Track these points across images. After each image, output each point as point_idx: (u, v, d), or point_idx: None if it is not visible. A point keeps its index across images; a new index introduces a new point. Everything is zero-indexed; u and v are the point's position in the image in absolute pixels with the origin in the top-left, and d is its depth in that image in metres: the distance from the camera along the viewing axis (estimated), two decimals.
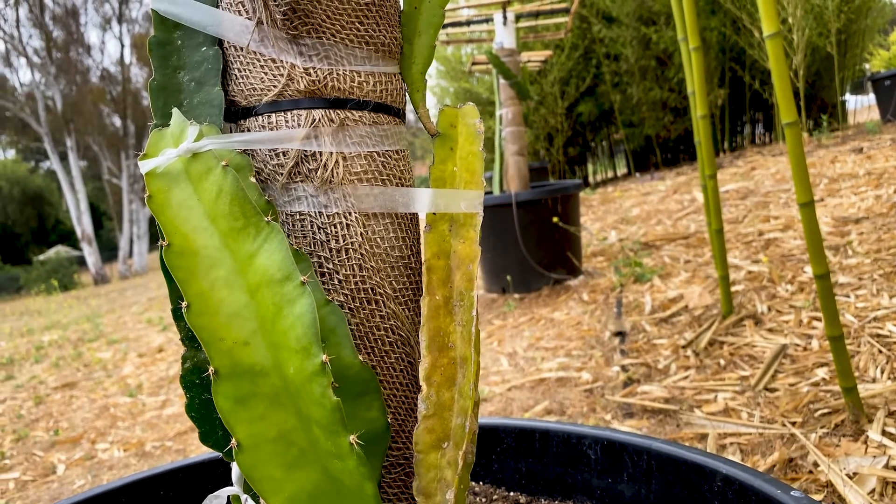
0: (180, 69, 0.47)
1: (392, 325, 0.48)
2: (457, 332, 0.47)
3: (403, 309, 0.49)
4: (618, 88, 8.52)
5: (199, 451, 2.32)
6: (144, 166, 0.41)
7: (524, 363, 2.52)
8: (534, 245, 3.37)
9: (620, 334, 2.58)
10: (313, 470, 0.38)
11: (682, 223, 4.21)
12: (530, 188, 3.62)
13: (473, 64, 4.48)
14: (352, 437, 0.37)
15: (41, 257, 20.94)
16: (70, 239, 32.04)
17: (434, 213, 0.49)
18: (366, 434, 0.39)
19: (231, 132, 0.49)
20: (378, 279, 0.47)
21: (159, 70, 0.46)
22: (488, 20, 3.84)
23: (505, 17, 3.46)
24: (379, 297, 0.47)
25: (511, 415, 2.07)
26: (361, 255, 0.46)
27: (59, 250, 24.02)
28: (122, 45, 19.70)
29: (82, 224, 17.05)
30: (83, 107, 18.27)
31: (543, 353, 2.58)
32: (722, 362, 2.06)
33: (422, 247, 0.50)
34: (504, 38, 3.49)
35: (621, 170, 11.50)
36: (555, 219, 3.30)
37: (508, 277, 3.47)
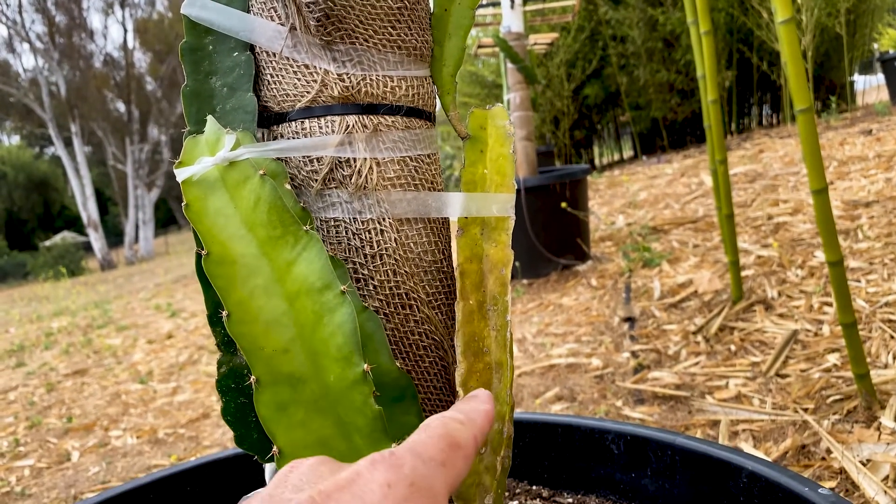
0: (212, 75, 0.46)
1: (426, 329, 0.48)
2: (491, 336, 0.47)
3: (436, 313, 0.49)
4: (624, 70, 8.47)
5: (213, 439, 2.34)
6: (180, 174, 0.41)
7: (534, 349, 2.53)
8: (542, 230, 3.37)
9: (630, 320, 2.59)
10: None
11: (690, 207, 4.20)
12: (538, 173, 3.61)
13: (479, 47, 4.45)
14: (394, 446, 0.38)
15: (47, 243, 21.00)
16: (76, 225, 32.15)
17: (466, 217, 0.49)
18: (404, 439, 0.39)
19: (264, 137, 0.49)
20: (412, 284, 0.47)
21: (191, 76, 0.46)
22: (495, 3, 3.81)
23: (512, 1, 3.44)
24: (413, 302, 0.47)
25: (522, 401, 2.08)
26: (395, 260, 0.47)
27: (65, 236, 24.08)
28: (125, 30, 19.63)
29: (88, 210, 17.08)
30: (87, 92, 18.23)
31: (553, 339, 2.59)
32: (732, 348, 2.07)
33: (454, 251, 0.51)
34: (511, 21, 3.46)
35: (627, 153, 11.45)
36: (563, 204, 3.30)
37: (517, 263, 3.47)
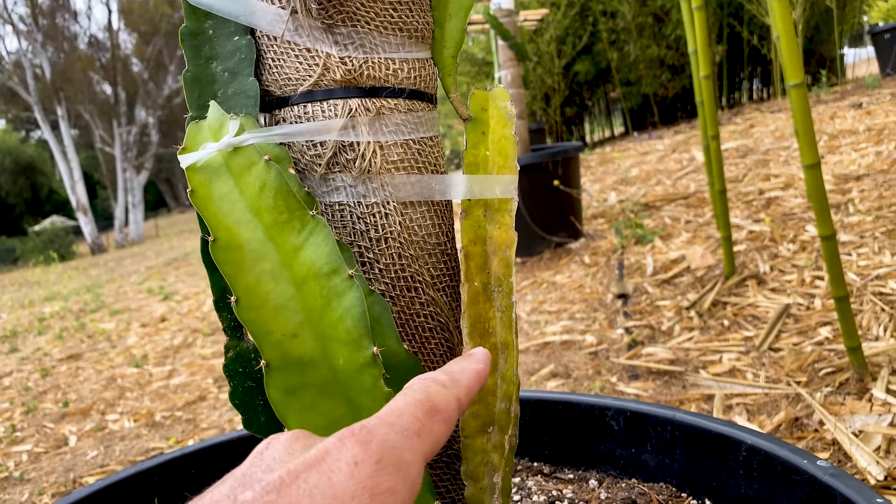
0: (213, 59, 0.46)
1: (431, 311, 0.49)
2: (496, 317, 0.47)
3: (441, 295, 0.49)
4: (615, 46, 8.43)
5: (210, 421, 2.35)
6: (184, 160, 0.41)
7: (528, 327, 2.55)
8: (535, 209, 3.37)
9: (623, 296, 2.60)
10: None
11: (681, 183, 4.21)
12: (530, 151, 3.61)
13: (469, 24, 4.41)
14: None
15: (36, 228, 20.84)
16: (65, 209, 31.95)
17: (469, 199, 0.49)
18: None
19: (265, 122, 0.49)
20: (417, 267, 0.48)
21: (192, 61, 0.46)
22: None
23: None
24: (418, 285, 0.48)
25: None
26: (400, 243, 0.47)
27: (55, 220, 23.91)
28: (110, 11, 19.35)
29: (77, 193, 16.94)
30: (72, 74, 17.99)
31: (547, 317, 2.60)
32: (726, 323, 2.08)
33: (457, 233, 0.51)
34: None
35: (618, 129, 11.43)
36: (556, 182, 3.30)
37: None
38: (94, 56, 19.57)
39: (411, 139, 0.48)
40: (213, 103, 0.43)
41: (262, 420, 0.46)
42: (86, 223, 17.06)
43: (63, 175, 17.12)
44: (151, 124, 20.21)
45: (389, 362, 0.41)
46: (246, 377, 0.45)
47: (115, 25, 20.64)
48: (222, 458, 0.77)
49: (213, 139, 0.42)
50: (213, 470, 0.76)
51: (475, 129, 0.51)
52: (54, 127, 17.86)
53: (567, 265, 3.23)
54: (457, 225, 0.51)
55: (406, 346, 0.44)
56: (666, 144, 6.07)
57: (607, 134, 11.39)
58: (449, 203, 0.51)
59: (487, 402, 0.47)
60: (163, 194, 35.53)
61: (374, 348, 0.39)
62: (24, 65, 17.07)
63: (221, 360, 3.12)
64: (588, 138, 11.03)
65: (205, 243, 0.41)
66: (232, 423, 2.27)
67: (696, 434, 0.63)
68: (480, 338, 0.47)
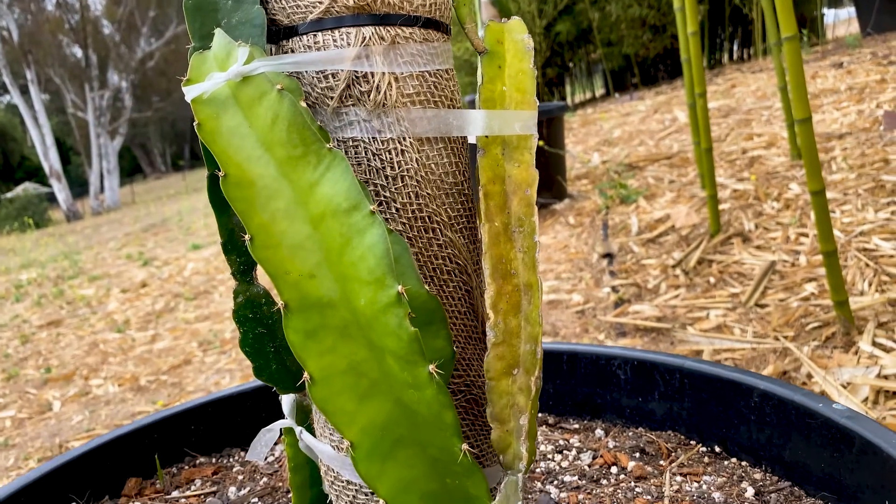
0: None
1: (450, 253, 0.47)
2: (518, 258, 0.46)
3: (459, 236, 0.48)
4: (596, 6, 8.34)
5: (196, 384, 2.33)
6: (190, 92, 0.39)
7: None
8: None
9: (608, 256, 2.60)
10: (385, 400, 0.37)
11: (664, 143, 4.20)
12: None
13: None
14: (431, 367, 0.37)
15: (9, 195, 20.40)
16: (38, 175, 31.30)
17: (486, 137, 0.47)
18: (438, 362, 0.38)
19: (272, 54, 0.46)
20: (434, 206, 0.46)
21: None
22: None
23: None
24: (436, 226, 0.46)
25: None
26: (417, 181, 0.45)
27: (27, 187, 23.39)
28: None
29: (49, 160, 16.57)
30: (41, 37, 17.49)
31: None
32: (712, 280, 2.09)
33: (476, 172, 0.49)
34: None
35: (599, 90, 11.38)
36: (540, 142, 3.27)
37: None
38: (63, 18, 19.00)
39: (427, 71, 0.45)
40: (218, 31, 0.41)
41: (273, 368, 0.44)
42: (60, 190, 16.74)
43: (35, 141, 16.70)
44: (125, 88, 19.76)
45: (411, 304, 0.39)
46: (257, 323, 0.43)
47: None
48: (223, 412, 0.75)
49: (220, 69, 0.39)
50: (212, 425, 0.75)
51: (491, 62, 0.48)
52: (24, 91, 17.39)
53: (552, 226, 3.23)
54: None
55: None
56: (648, 105, 6.06)
57: (588, 95, 11.35)
58: (465, 140, 0.49)
59: (512, 343, 0.45)
60: (138, 160, 34.95)
61: (399, 287, 0.37)
62: None
63: (206, 325, 3.09)
64: (569, 100, 10.98)
65: (212, 180, 0.39)
66: (219, 386, 2.25)
67: (706, 381, 0.62)
68: (503, 279, 0.45)
